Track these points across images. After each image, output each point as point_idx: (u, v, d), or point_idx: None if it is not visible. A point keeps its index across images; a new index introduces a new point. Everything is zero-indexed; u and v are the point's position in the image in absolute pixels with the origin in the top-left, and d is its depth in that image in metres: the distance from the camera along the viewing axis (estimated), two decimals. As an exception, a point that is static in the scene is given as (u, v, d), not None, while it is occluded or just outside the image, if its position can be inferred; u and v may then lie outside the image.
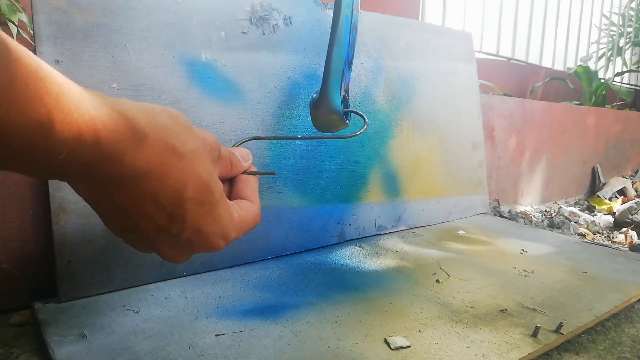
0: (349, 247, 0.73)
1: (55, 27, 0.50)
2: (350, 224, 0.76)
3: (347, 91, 0.62)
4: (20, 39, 0.76)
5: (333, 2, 0.60)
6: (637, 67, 2.78)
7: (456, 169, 0.94)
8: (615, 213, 1.29)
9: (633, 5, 2.68)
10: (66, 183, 0.28)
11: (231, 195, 0.36)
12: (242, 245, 0.63)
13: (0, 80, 0.19)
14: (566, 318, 0.50)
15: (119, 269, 0.53)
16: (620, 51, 2.60)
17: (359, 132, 0.53)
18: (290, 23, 0.69)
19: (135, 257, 0.54)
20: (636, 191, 1.60)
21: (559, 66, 2.29)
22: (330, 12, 0.73)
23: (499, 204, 1.20)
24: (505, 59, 1.95)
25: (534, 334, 0.46)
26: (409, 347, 0.43)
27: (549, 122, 1.36)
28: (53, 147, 0.21)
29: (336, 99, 0.58)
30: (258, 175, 0.37)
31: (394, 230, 0.82)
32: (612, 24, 2.63)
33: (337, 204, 0.74)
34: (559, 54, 2.28)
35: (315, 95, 0.61)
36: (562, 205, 1.36)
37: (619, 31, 2.59)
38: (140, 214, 0.27)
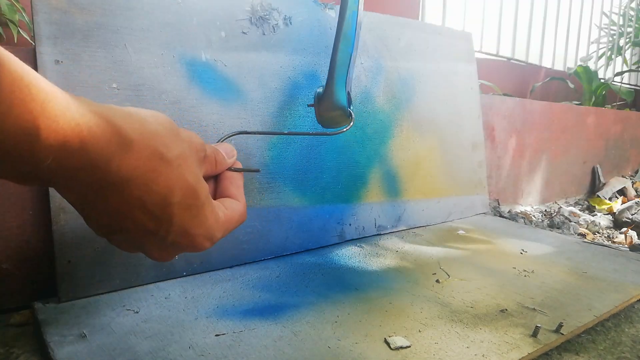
0: (349, 247, 0.73)
1: (55, 27, 0.50)
2: (350, 224, 0.76)
3: (350, 88, 0.62)
4: (20, 39, 0.76)
5: (333, 2, 0.60)
6: (637, 67, 2.78)
7: (456, 169, 0.94)
8: (615, 213, 1.29)
9: (633, 5, 2.68)
10: None
11: (216, 193, 0.36)
12: (242, 245, 0.63)
13: None
14: (566, 318, 0.50)
15: (119, 269, 0.53)
16: (620, 51, 2.60)
17: (344, 129, 0.53)
18: (290, 23, 0.69)
19: (135, 257, 0.54)
20: (636, 191, 1.60)
21: (559, 66, 2.29)
22: (331, 12, 0.73)
23: (499, 204, 1.20)
24: (505, 59, 1.95)
25: (534, 334, 0.46)
26: (409, 347, 0.43)
27: (549, 122, 1.36)
28: (39, 153, 0.21)
29: (341, 95, 0.59)
30: (243, 173, 0.37)
31: (394, 230, 0.82)
32: (613, 23, 2.63)
33: (337, 204, 0.74)
34: (559, 53, 2.27)
35: (320, 89, 0.61)
36: (562, 205, 1.36)
37: (619, 31, 2.59)
38: (127, 218, 0.27)
